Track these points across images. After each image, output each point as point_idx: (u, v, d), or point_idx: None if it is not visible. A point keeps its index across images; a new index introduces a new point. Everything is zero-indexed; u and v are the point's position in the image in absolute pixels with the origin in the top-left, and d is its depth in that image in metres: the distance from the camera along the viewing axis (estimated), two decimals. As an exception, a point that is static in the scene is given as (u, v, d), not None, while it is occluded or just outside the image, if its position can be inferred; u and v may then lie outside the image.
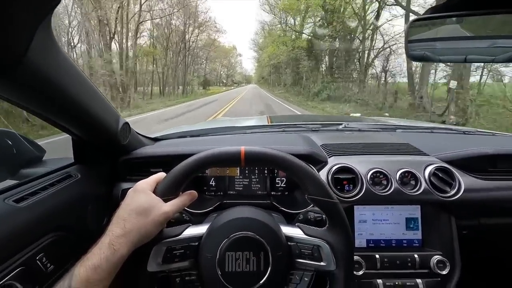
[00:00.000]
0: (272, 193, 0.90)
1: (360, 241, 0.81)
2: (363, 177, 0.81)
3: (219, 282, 0.48)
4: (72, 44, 12.93)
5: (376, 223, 0.81)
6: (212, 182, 0.91)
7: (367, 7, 15.26)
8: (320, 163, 0.86)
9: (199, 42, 32.99)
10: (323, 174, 0.83)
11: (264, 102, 18.30)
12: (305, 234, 0.54)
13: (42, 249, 0.55)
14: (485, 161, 0.87)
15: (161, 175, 0.56)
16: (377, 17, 14.56)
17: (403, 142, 1.00)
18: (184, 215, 0.78)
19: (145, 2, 19.08)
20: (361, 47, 16.04)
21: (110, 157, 0.83)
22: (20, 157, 0.78)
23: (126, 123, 0.77)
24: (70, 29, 13.15)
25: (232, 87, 70.24)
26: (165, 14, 21.97)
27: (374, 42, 15.39)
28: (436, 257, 0.75)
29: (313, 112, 12.18)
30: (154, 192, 0.52)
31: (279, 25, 27.50)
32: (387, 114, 8.89)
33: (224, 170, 0.91)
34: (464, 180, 0.82)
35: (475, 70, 9.09)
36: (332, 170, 0.82)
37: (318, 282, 0.54)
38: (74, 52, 13.48)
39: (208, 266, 0.50)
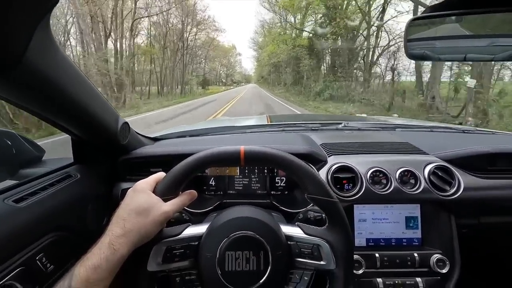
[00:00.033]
0: (272, 192, 0.90)
1: (359, 240, 0.81)
2: (362, 176, 0.81)
3: (219, 281, 0.48)
4: (63, 40, 12.72)
5: (375, 222, 0.81)
6: (212, 181, 0.91)
7: (371, 2, 14.37)
8: (319, 162, 0.86)
9: (198, 41, 32.64)
10: (322, 173, 0.83)
11: (264, 102, 17.77)
12: (305, 233, 0.54)
13: (42, 249, 0.55)
14: (484, 160, 0.87)
15: (160, 174, 0.56)
16: (383, 11, 13.75)
17: (402, 141, 1.00)
18: (184, 214, 0.78)
19: (140, -2, 18.66)
20: (365, 45, 15.37)
21: (110, 157, 0.83)
22: (19, 157, 0.78)
23: (126, 123, 0.77)
24: (64, 26, 12.95)
25: (232, 87, 70.18)
26: (161, 10, 21.68)
27: (379, 39, 14.56)
28: (436, 256, 0.76)
29: (315, 113, 11.71)
30: (154, 191, 0.52)
31: (279, 23, 27.03)
32: (396, 114, 8.16)
33: (224, 170, 0.91)
34: (464, 179, 0.82)
35: (500, 66, 8.19)
36: (332, 169, 0.82)
37: (318, 281, 0.54)
38: (69, 50, 13.42)
39: (208, 265, 0.50)
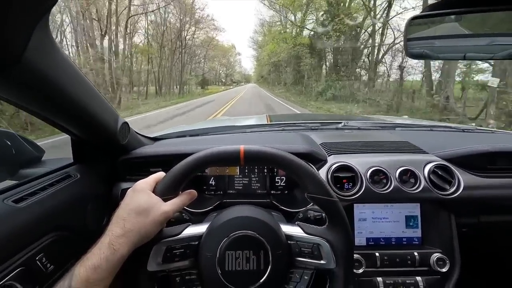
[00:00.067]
0: (272, 192, 0.90)
1: (360, 240, 0.81)
2: (362, 175, 0.81)
3: (219, 281, 0.48)
4: (58, 39, 12.62)
5: (375, 221, 0.81)
6: (211, 181, 0.91)
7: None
8: (319, 161, 0.86)
9: (196, 40, 32.21)
10: (322, 173, 0.83)
11: (264, 103, 17.24)
12: (305, 232, 0.54)
13: (42, 249, 0.55)
14: (484, 159, 0.87)
15: (160, 174, 0.56)
16: (389, 6, 13.08)
17: (402, 140, 1.00)
18: (184, 214, 0.78)
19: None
20: (370, 42, 14.82)
21: (110, 157, 0.83)
22: (19, 157, 0.78)
23: (125, 123, 0.77)
24: (59, 25, 12.75)
25: (231, 87, 70.17)
26: (158, 7, 21.12)
27: (384, 36, 13.89)
28: (436, 255, 0.76)
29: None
30: (154, 191, 0.52)
31: (279, 22, 26.57)
32: (406, 116, 7.11)
33: (223, 169, 0.91)
34: (464, 178, 0.82)
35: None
36: (332, 169, 0.82)
37: (318, 281, 0.54)
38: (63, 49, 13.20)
39: (208, 265, 0.50)
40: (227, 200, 0.85)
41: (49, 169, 0.72)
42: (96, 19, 14.76)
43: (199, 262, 0.51)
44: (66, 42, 13.77)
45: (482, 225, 0.84)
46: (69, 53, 13.05)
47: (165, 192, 0.52)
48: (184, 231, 0.54)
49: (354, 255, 0.73)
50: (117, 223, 0.47)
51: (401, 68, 11.85)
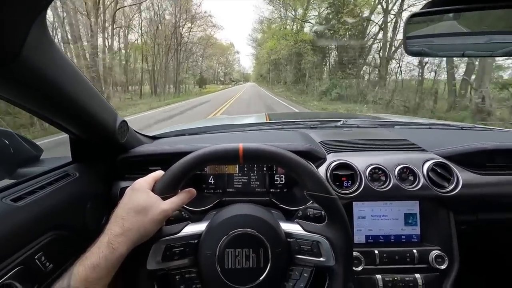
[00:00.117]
0: (271, 190, 0.90)
1: (359, 237, 0.81)
2: (361, 173, 0.81)
3: (219, 279, 0.48)
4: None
5: (375, 219, 0.82)
6: (211, 179, 0.91)
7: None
8: (318, 159, 0.87)
9: (193, 37, 31.23)
10: (321, 171, 0.83)
11: (264, 103, 15.82)
12: (304, 230, 0.54)
13: (41, 248, 0.54)
14: (483, 156, 0.88)
15: (159, 173, 0.56)
16: None
17: (401, 138, 1.00)
18: (183, 213, 0.78)
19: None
20: (381, 35, 13.18)
21: (108, 156, 0.83)
22: (17, 156, 0.78)
23: (124, 121, 0.77)
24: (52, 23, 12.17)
25: (230, 86, 70.02)
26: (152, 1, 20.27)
27: (397, 30, 12.21)
28: (435, 252, 0.76)
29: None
30: (153, 190, 0.52)
31: (280, 18, 25.48)
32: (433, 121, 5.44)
33: (223, 168, 0.91)
34: (462, 176, 0.82)
35: None
36: (331, 167, 0.83)
37: (318, 278, 0.54)
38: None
39: (207, 263, 0.50)
40: (227, 199, 0.85)
41: (48, 168, 0.72)
42: (84, 12, 13.82)
43: (198, 261, 0.51)
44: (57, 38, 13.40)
45: (480, 223, 0.85)
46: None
47: (164, 190, 0.52)
48: (184, 229, 0.54)
49: (353, 252, 0.73)
50: (116, 222, 0.47)
51: (421, 65, 10.39)
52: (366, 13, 13.99)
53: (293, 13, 21.97)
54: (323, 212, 0.65)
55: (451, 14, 0.58)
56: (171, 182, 0.53)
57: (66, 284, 0.41)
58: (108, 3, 16.18)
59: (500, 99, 7.40)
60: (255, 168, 0.91)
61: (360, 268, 0.75)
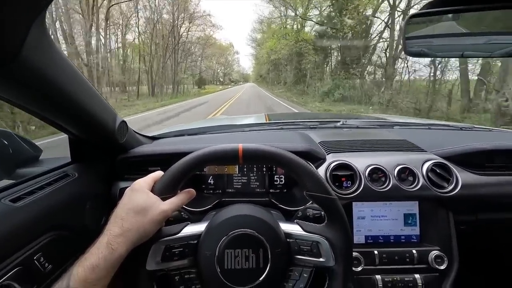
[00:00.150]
0: (271, 190, 0.90)
1: (358, 238, 0.81)
2: (361, 173, 0.81)
3: (219, 279, 0.48)
4: None
5: (374, 219, 0.82)
6: (210, 180, 0.91)
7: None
8: (318, 160, 0.87)
9: (192, 37, 30.66)
10: (321, 171, 0.83)
11: (264, 105, 15.16)
12: (304, 230, 0.54)
13: (40, 248, 0.54)
14: (482, 157, 0.88)
15: (159, 173, 0.55)
16: None
17: (400, 139, 1.00)
18: (182, 213, 0.78)
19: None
20: (388, 33, 12.35)
21: (108, 156, 0.83)
22: (16, 156, 0.77)
23: (123, 122, 0.77)
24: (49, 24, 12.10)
25: (229, 86, 69.96)
26: None
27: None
28: (434, 253, 0.76)
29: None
30: (152, 190, 0.52)
31: (280, 17, 24.82)
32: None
33: (222, 168, 0.91)
34: (462, 176, 0.82)
35: None
36: (331, 167, 0.83)
37: (318, 278, 0.54)
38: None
39: (207, 264, 0.50)
40: (226, 199, 0.85)
41: (47, 168, 0.71)
42: (77, 9, 13.49)
43: (198, 261, 0.51)
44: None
45: (480, 223, 0.85)
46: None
47: (163, 191, 0.52)
48: (183, 230, 0.54)
49: (353, 253, 0.73)
50: (116, 222, 0.47)
51: (434, 64, 9.56)
52: (369, 11, 13.47)
53: (294, 12, 21.41)
54: (322, 213, 0.65)
55: (450, 15, 0.58)
56: (170, 183, 0.53)
57: (65, 285, 0.41)
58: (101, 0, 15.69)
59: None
60: (254, 168, 0.91)
61: (359, 269, 0.75)
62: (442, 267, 0.75)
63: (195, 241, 0.53)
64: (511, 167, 0.88)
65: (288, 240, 0.53)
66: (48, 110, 0.56)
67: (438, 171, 0.83)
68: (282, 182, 0.90)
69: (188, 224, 0.55)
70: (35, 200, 0.57)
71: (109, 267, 0.44)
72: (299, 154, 0.59)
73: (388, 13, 12.63)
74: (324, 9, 17.08)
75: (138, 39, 21.70)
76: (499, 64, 7.35)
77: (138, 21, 21.32)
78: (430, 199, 0.80)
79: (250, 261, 0.50)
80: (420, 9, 0.57)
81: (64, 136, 0.73)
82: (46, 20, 0.44)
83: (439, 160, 0.85)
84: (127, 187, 0.53)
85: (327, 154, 0.89)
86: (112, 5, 17.02)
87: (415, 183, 0.81)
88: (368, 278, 0.76)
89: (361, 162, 0.84)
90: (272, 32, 26.37)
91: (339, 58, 16.34)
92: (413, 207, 0.82)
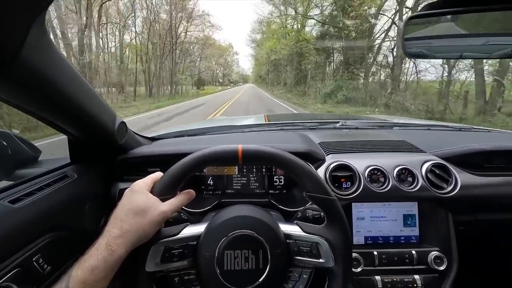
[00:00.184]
0: (270, 191, 0.90)
1: (358, 238, 0.81)
2: (360, 174, 0.81)
3: (218, 280, 0.48)
4: None
5: (374, 220, 0.82)
6: (210, 181, 0.91)
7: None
8: (317, 161, 0.87)
9: (191, 37, 30.21)
10: (320, 172, 0.83)
11: (265, 107, 14.65)
12: (304, 231, 0.54)
13: (39, 250, 0.54)
14: (481, 158, 0.88)
15: (158, 174, 0.55)
16: None
17: (400, 140, 1.00)
18: (182, 214, 0.78)
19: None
20: (395, 31, 11.78)
21: (107, 157, 0.83)
22: (15, 157, 0.77)
23: (123, 123, 0.76)
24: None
25: (229, 87, 69.93)
26: None
27: None
28: (434, 253, 0.76)
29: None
30: (152, 191, 0.52)
31: (280, 16, 24.29)
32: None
33: (222, 169, 0.91)
34: (461, 177, 0.83)
35: None
36: (330, 168, 0.83)
37: (317, 279, 0.54)
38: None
39: (206, 265, 0.49)
40: (226, 200, 0.85)
41: (46, 169, 0.71)
42: (70, 6, 13.09)
43: (197, 262, 0.51)
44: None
45: (479, 223, 0.85)
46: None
47: (163, 192, 0.52)
48: (183, 231, 0.54)
49: (353, 254, 0.73)
50: (115, 223, 0.47)
51: (449, 63, 8.93)
52: (373, 9, 12.90)
53: (294, 11, 20.92)
54: (322, 213, 0.65)
55: (448, 16, 0.58)
56: (170, 184, 0.53)
57: (64, 287, 0.41)
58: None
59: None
60: (254, 169, 0.91)
61: (359, 270, 0.75)
62: (442, 268, 0.75)
63: (195, 242, 0.53)
64: (510, 167, 0.88)
65: (287, 241, 0.53)
66: (47, 110, 0.56)
67: (437, 172, 0.83)
68: (282, 183, 0.90)
69: (188, 225, 0.55)
70: (34, 201, 0.57)
71: (109, 268, 0.43)
72: (298, 155, 0.59)
73: (395, 10, 11.99)
74: (326, 8, 16.71)
75: (135, 39, 21.53)
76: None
77: (135, 19, 21.09)
78: (429, 199, 0.81)
79: (250, 262, 0.49)
80: (419, 11, 0.57)
81: (61, 138, 0.73)
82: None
83: (438, 161, 0.85)
84: (127, 188, 0.53)
85: (327, 155, 0.89)
86: (104, 2, 16.40)
87: (415, 184, 0.81)
88: (367, 279, 0.76)
89: (361, 163, 0.84)
90: (272, 32, 26.06)
91: (342, 58, 15.82)
92: (412, 208, 0.82)
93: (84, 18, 14.12)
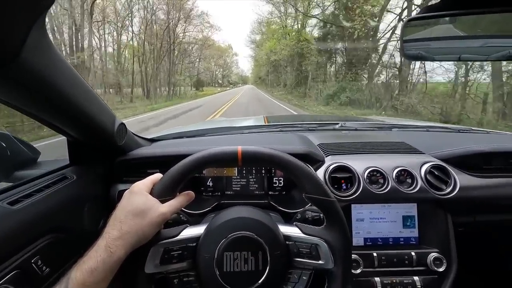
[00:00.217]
0: (270, 192, 0.90)
1: (357, 240, 0.81)
2: (360, 176, 0.82)
3: (218, 282, 0.48)
4: None
5: (373, 222, 0.82)
6: (209, 182, 0.91)
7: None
8: (317, 162, 0.87)
9: (189, 38, 29.65)
10: (320, 173, 0.83)
11: (265, 109, 14.12)
12: (303, 233, 0.54)
13: (38, 251, 0.54)
14: (480, 159, 0.88)
15: (157, 176, 0.55)
16: None
17: (399, 141, 1.01)
18: (181, 215, 0.77)
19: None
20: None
21: (107, 158, 0.82)
22: (14, 159, 0.77)
23: (122, 124, 0.76)
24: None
25: (228, 88, 69.89)
26: None
27: None
28: (433, 255, 0.76)
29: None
30: (151, 193, 0.52)
31: (279, 15, 23.90)
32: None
33: (221, 171, 0.91)
34: (460, 178, 0.83)
35: None
36: (329, 169, 0.83)
37: (317, 281, 0.54)
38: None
39: (206, 266, 0.49)
40: (225, 201, 0.85)
41: (45, 171, 0.71)
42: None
43: (197, 264, 0.51)
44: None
45: (478, 224, 0.85)
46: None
47: (162, 193, 0.52)
48: (182, 232, 0.53)
49: (352, 255, 0.73)
50: (114, 225, 0.46)
51: (466, 64, 8.16)
52: (377, 8, 12.42)
53: (295, 10, 20.26)
54: (321, 215, 0.65)
55: (447, 18, 0.58)
56: (169, 185, 0.53)
57: None
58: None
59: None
60: (253, 171, 0.91)
61: (358, 271, 0.75)
62: (441, 269, 0.75)
63: (194, 244, 0.52)
64: (509, 169, 0.88)
65: (287, 242, 0.53)
66: (47, 112, 0.56)
67: (436, 173, 0.83)
68: (281, 185, 0.90)
69: (187, 227, 0.55)
70: (33, 203, 0.57)
71: (108, 270, 0.43)
72: (298, 156, 0.59)
73: (401, 8, 11.34)
74: (327, 8, 16.13)
75: (132, 40, 21.27)
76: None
77: (132, 19, 20.66)
78: (429, 201, 0.81)
79: (249, 264, 0.49)
80: (418, 13, 0.58)
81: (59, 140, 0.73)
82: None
83: (438, 162, 0.85)
84: (126, 189, 0.53)
85: (326, 156, 0.89)
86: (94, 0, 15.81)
87: (414, 185, 0.81)
88: (367, 281, 0.76)
89: (360, 164, 0.84)
90: (272, 32, 25.76)
91: (345, 59, 15.16)
92: (411, 209, 0.82)
93: (77, 16, 13.82)
